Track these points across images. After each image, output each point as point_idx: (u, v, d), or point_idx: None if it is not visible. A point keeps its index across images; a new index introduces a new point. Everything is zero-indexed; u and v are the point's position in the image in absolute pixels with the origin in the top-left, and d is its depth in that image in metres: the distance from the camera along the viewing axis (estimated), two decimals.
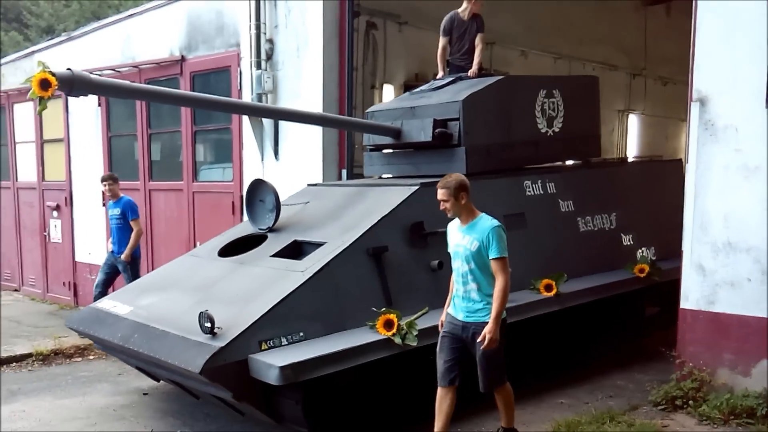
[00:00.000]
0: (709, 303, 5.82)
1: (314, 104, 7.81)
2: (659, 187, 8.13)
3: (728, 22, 5.63)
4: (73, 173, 11.75)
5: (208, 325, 4.63)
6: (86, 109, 10.96)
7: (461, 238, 4.72)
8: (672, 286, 7.24)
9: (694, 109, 5.80)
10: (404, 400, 5.40)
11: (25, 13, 42.68)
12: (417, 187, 5.96)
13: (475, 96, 6.54)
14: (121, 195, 8.55)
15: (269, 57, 8.34)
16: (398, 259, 5.58)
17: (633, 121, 14.17)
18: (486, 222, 4.65)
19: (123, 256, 8.29)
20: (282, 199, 6.27)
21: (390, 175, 7.21)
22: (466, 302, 4.70)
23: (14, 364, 7.83)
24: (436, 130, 6.38)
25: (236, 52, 8.76)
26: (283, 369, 4.43)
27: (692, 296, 5.92)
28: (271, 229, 6.10)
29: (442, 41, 7.45)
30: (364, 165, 7.40)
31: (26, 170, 12.90)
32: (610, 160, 8.85)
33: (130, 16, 10.44)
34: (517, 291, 5.95)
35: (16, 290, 13.14)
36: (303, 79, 8.09)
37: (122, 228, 8.39)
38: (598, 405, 5.88)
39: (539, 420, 5.58)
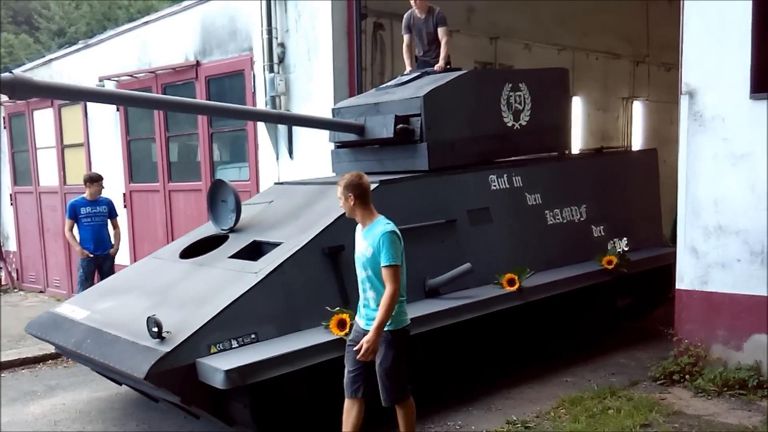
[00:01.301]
0: (702, 283, 6.17)
1: (326, 105, 8.15)
2: (633, 177, 8.11)
3: (714, 18, 5.96)
4: None
5: (155, 329, 4.57)
6: (105, 114, 11.36)
7: (360, 243, 4.52)
8: (645, 277, 7.61)
9: (684, 101, 6.14)
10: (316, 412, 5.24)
11: (35, 16, 43.14)
12: (376, 185, 5.69)
13: (436, 91, 6.46)
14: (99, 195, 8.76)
15: (281, 60, 8.69)
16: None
17: (638, 108, 14.44)
18: (379, 227, 4.36)
19: (114, 251, 8.59)
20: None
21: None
22: (366, 310, 4.47)
23: (50, 361, 8.19)
24: (398, 126, 6.34)
25: (249, 56, 9.13)
26: (228, 372, 4.37)
27: (687, 277, 6.26)
28: (232, 230, 6.04)
29: (405, 39, 7.53)
30: (332, 162, 7.37)
31: (48, 175, 13.31)
32: (583, 152, 8.80)
33: (146, 23, 10.81)
34: (482, 286, 6.14)
35: (41, 292, 13.53)
36: (314, 80, 8.45)
37: (104, 226, 8.60)
38: (601, 382, 6.23)
39: (545, 397, 5.94)
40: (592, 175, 7.73)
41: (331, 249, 5.38)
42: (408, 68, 7.53)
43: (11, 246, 14.61)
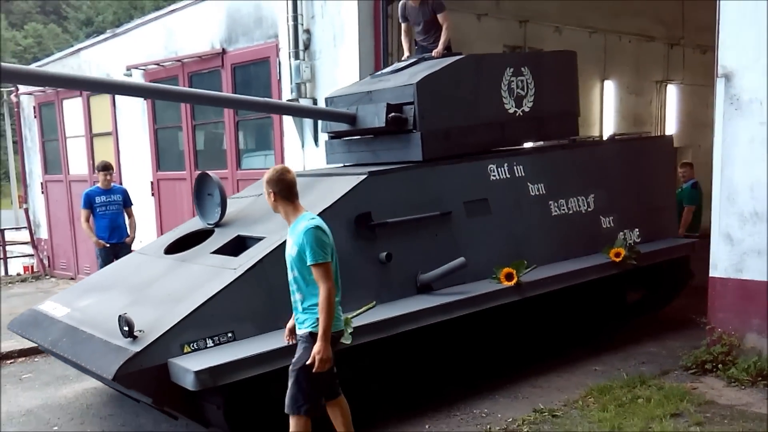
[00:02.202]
0: (737, 271, 6.01)
1: None
2: (647, 165, 7.66)
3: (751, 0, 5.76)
4: (122, 165, 12.29)
5: (126, 328, 4.43)
6: (133, 103, 11.44)
7: (288, 242, 4.24)
8: (659, 269, 7.34)
9: (720, 84, 5.96)
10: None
11: (63, 6, 43.67)
12: (364, 177, 5.61)
13: (430, 78, 6.17)
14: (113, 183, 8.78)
15: (307, 47, 8.65)
16: (342, 253, 5.07)
17: (672, 92, 14.17)
18: (301, 223, 4.07)
19: (129, 240, 8.55)
20: None
21: (350, 163, 6.90)
22: (296, 312, 4.22)
23: None
24: (390, 115, 6.07)
25: (275, 43, 9.10)
26: (198, 373, 4.18)
27: (721, 265, 6.11)
28: (218, 224, 5.85)
29: (403, 26, 7.34)
30: (326, 153, 7.16)
31: (77, 163, 13.48)
32: (591, 139, 8.37)
33: (172, 11, 10.84)
34: (480, 281, 5.87)
35: (72, 279, 13.73)
36: (340, 67, 8.40)
37: (120, 215, 8.58)
38: (631, 371, 6.12)
39: (573, 386, 5.85)
40: (601, 163, 7.36)
41: None
42: (406, 54, 7.33)
43: (42, 234, 14.83)
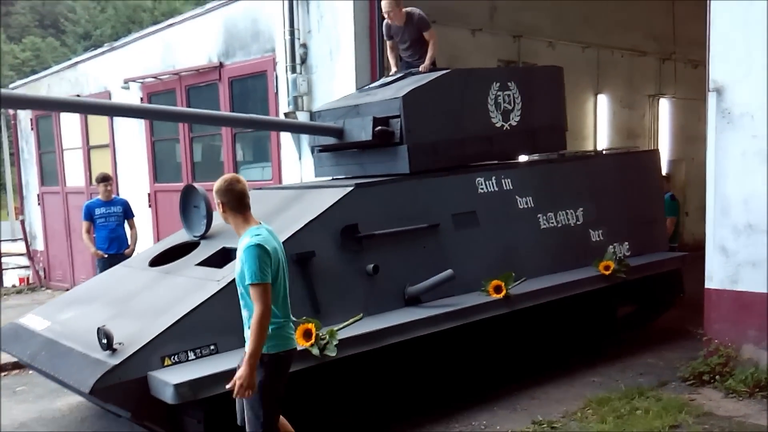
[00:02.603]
0: (732, 282, 6.06)
1: None
2: (635, 179, 7.72)
3: (741, 14, 5.86)
4: (119, 177, 12.30)
5: (105, 341, 4.34)
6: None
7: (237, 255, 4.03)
8: (647, 283, 7.35)
9: (712, 98, 6.04)
10: (329, 414, 5.17)
11: (62, 20, 43.78)
12: (351, 189, 5.65)
13: (416, 91, 6.20)
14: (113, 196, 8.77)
15: (303, 61, 8.71)
16: (329, 265, 5.25)
17: (664, 105, 14.28)
18: (245, 240, 3.86)
19: (129, 251, 8.47)
20: None
21: (338, 176, 6.94)
22: (245, 330, 4.00)
23: None
24: (376, 129, 6.10)
25: (272, 57, 9.16)
26: (178, 387, 4.10)
27: (716, 277, 6.16)
28: (203, 236, 5.78)
29: (389, 43, 7.35)
30: (314, 167, 7.19)
31: (74, 175, 13.49)
32: (581, 153, 8.44)
33: (170, 25, 10.91)
34: (468, 293, 5.88)
35: (67, 290, 13.69)
36: (337, 80, 8.45)
37: (120, 226, 8.58)
38: (629, 382, 6.15)
39: (572, 397, 5.87)
40: (589, 177, 7.39)
41: (300, 255, 5.11)
42: (393, 69, 7.36)
43: (38, 245, 14.82)
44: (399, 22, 7.06)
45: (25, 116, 14.73)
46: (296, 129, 7.68)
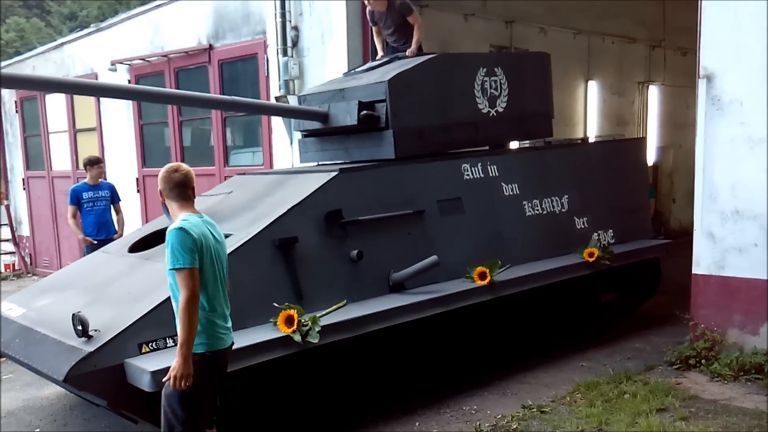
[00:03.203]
0: (719, 268, 6.13)
1: None
2: (621, 167, 7.78)
3: (731, 1, 5.88)
4: (107, 161, 12.16)
5: (80, 327, 4.25)
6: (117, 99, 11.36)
7: None
8: (631, 270, 7.44)
9: (701, 85, 6.08)
10: (311, 402, 5.20)
11: (47, 0, 43.21)
12: (335, 174, 5.61)
13: (402, 75, 6.16)
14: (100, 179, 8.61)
15: (295, 44, 8.65)
16: (312, 251, 5.20)
17: (653, 92, 14.33)
18: (171, 225, 3.70)
19: (117, 236, 8.25)
20: None
21: (323, 162, 6.90)
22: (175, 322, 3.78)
23: None
24: (362, 113, 6.04)
25: (263, 39, 9.10)
26: (155, 374, 3.97)
27: (703, 262, 6.23)
28: None
29: (374, 28, 7.33)
30: (299, 152, 7.16)
31: (60, 159, 13.37)
32: (566, 141, 8.43)
33: (158, 6, 10.77)
34: (453, 280, 5.86)
35: None
36: (328, 64, 8.41)
37: (107, 211, 8.46)
38: (617, 366, 6.23)
39: (561, 382, 5.94)
40: (575, 164, 7.42)
41: (283, 241, 5.04)
42: (380, 54, 7.31)
43: (24, 231, 14.70)
44: (381, 8, 7.02)
45: (9, 98, 14.57)
46: (280, 112, 7.57)
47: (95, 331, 4.30)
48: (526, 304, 6.44)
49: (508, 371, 6.20)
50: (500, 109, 6.91)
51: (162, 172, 3.82)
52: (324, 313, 4.86)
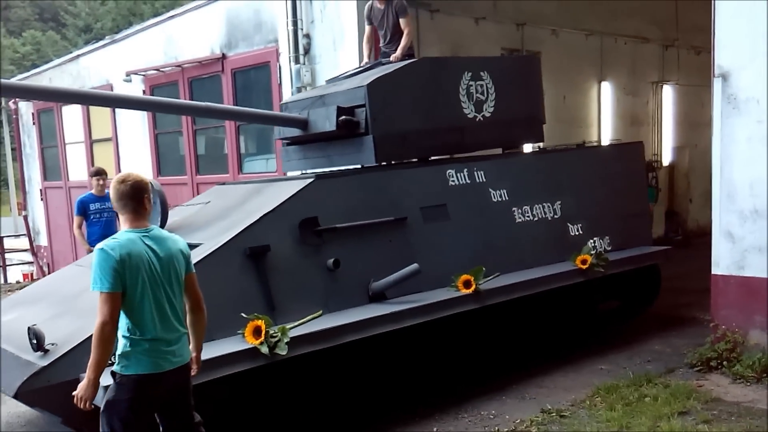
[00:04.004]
0: (738, 268, 6.05)
1: None
2: (618, 172, 7.49)
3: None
4: (122, 170, 12.26)
5: (35, 341, 4.10)
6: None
7: None
8: (629, 278, 7.19)
9: (717, 84, 6.02)
10: (327, 406, 5.13)
11: (62, 13, 43.72)
12: (311, 181, 5.46)
13: (382, 80, 5.99)
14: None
15: (307, 51, 8.69)
16: (285, 260, 5.04)
17: (668, 92, 14.24)
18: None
19: None
20: None
21: (306, 170, 6.75)
22: None
23: None
24: (340, 118, 5.88)
25: (275, 48, 9.14)
26: (107, 389, 3.69)
27: (723, 262, 6.15)
28: None
29: (366, 30, 7.26)
30: (282, 161, 7.02)
31: (77, 170, 13.50)
32: (561, 147, 8.16)
33: (171, 17, 10.89)
34: (438, 289, 5.68)
35: None
36: (340, 70, 8.34)
37: (113, 222, 8.30)
38: (636, 369, 6.15)
39: (579, 385, 5.87)
40: (568, 169, 7.15)
41: (254, 250, 4.87)
42: (365, 60, 7.22)
43: (42, 241, 14.84)
44: (380, 4, 7.00)
45: (26, 110, 14.74)
46: (259, 119, 7.40)
47: (52, 344, 4.16)
48: (518, 312, 6.23)
49: (527, 375, 6.15)
50: (487, 114, 6.72)
51: (113, 182, 3.56)
52: (296, 324, 4.73)
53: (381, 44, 7.22)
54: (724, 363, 5.95)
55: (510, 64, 7.25)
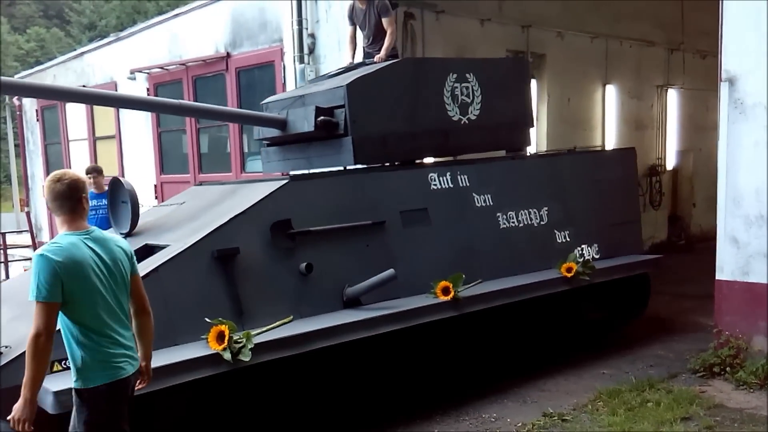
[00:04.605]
0: (743, 274, 6.03)
1: None
2: (608, 178, 7.32)
3: (753, 3, 5.80)
4: (125, 168, 12.31)
5: None
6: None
7: None
8: (617, 287, 7.03)
9: (724, 88, 6.00)
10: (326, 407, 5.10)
11: (66, 10, 43.77)
12: (285, 182, 5.31)
13: (362, 80, 5.87)
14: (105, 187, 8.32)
15: (311, 51, 8.67)
16: (256, 263, 4.90)
17: (672, 96, 14.20)
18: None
19: None
20: None
21: (286, 172, 6.57)
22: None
23: None
24: (319, 119, 5.74)
25: (279, 47, 9.12)
26: (58, 394, 3.66)
27: (727, 268, 6.13)
28: (130, 233, 5.35)
29: (349, 30, 7.15)
30: (262, 162, 6.88)
31: (80, 167, 13.46)
32: (552, 151, 7.95)
33: (176, 15, 10.88)
34: (417, 295, 5.56)
35: None
36: None
37: (106, 218, 8.36)
38: (639, 374, 6.13)
39: (582, 390, 5.86)
40: (556, 175, 7.01)
41: (222, 252, 4.72)
42: (348, 60, 7.09)
43: (44, 237, 14.83)
44: (361, 4, 6.90)
45: (30, 107, 14.73)
46: (236, 119, 7.27)
47: (5, 347, 4.02)
48: (500, 321, 6.09)
49: (528, 378, 6.13)
50: (473, 117, 6.58)
51: (46, 182, 3.35)
52: (264, 329, 4.63)
53: (364, 45, 7.08)
54: (728, 369, 5.93)
55: (497, 66, 7.08)
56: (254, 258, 4.89)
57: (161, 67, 10.81)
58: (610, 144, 12.31)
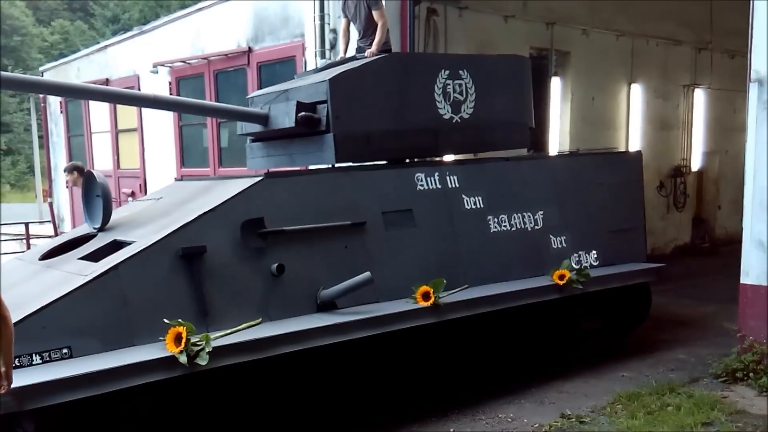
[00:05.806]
0: None
1: None
2: (610, 183, 6.98)
3: None
4: (146, 161, 12.37)
5: None
6: None
7: None
8: (616, 296, 6.71)
9: (753, 89, 5.86)
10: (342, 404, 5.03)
11: (90, 3, 44.17)
12: (259, 179, 5.09)
13: (346, 75, 5.64)
14: None
15: (333, 46, 8.62)
16: (224, 263, 4.69)
17: (699, 96, 14.00)
18: None
19: None
20: None
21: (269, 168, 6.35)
22: None
23: None
24: (299, 114, 5.52)
25: (301, 42, 9.10)
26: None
27: (753, 272, 6.00)
28: (102, 228, 5.18)
29: (342, 23, 6.83)
30: (247, 158, 6.65)
31: (102, 159, 13.60)
32: (560, 153, 7.70)
33: (199, 10, 10.89)
34: (397, 300, 5.32)
35: None
36: None
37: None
38: (659, 377, 6.04)
39: (600, 392, 5.78)
40: (554, 178, 6.70)
41: (188, 250, 4.51)
42: (341, 55, 6.90)
43: (66, 227, 14.96)
44: None
45: (54, 99, 14.87)
46: (216, 113, 7.09)
47: None
48: (486, 328, 5.86)
49: (546, 379, 6.06)
50: (465, 116, 6.28)
51: None
52: (228, 332, 4.45)
53: (357, 39, 6.84)
54: (751, 375, 5.81)
55: (495, 64, 6.73)
56: (222, 257, 4.69)
57: (183, 61, 10.83)
58: (635, 144, 12.16)
